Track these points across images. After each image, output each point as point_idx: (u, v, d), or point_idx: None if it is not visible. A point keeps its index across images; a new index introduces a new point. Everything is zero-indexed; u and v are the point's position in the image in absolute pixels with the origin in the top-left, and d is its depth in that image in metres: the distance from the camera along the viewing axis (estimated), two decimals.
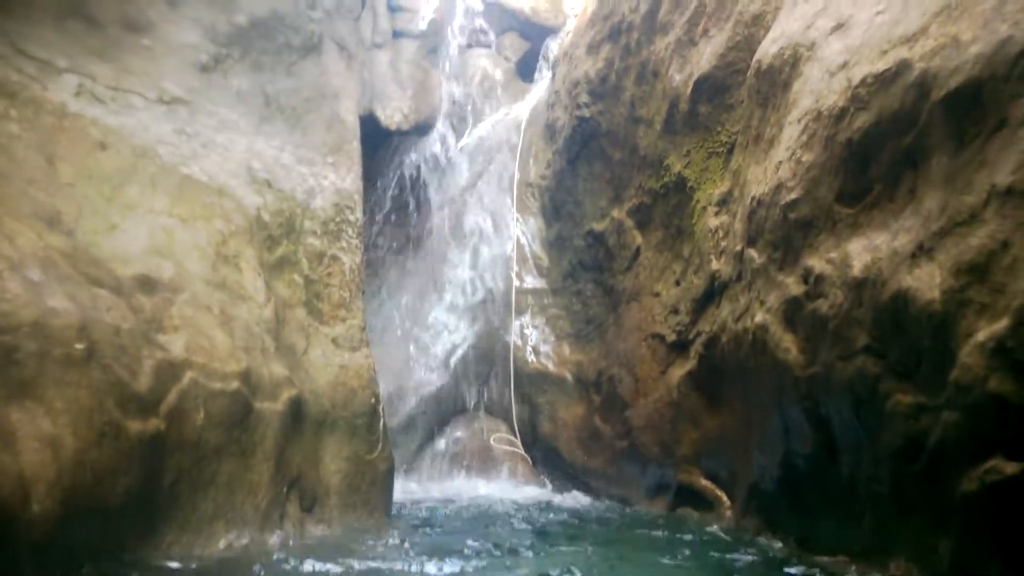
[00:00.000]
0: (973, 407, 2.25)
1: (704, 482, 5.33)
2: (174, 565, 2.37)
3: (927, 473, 2.58)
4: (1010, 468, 2.03)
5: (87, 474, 2.05)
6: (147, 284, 2.80)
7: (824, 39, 3.77)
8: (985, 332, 2.22)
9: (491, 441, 7.65)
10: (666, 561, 3.68)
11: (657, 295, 6.42)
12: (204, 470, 2.73)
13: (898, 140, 2.93)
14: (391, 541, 3.34)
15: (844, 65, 3.43)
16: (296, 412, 3.30)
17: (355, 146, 4.65)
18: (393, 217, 8.47)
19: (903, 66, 2.87)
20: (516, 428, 7.67)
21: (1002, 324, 2.14)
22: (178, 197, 3.31)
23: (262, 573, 2.59)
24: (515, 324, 8.04)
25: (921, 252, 2.66)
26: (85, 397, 2.16)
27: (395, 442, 7.25)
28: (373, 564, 2.83)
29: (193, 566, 2.41)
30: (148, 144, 3.50)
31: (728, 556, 3.67)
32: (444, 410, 7.67)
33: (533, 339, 8.01)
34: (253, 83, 4.31)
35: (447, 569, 3.12)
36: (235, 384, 2.89)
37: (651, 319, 6.40)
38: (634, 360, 6.56)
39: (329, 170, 4.40)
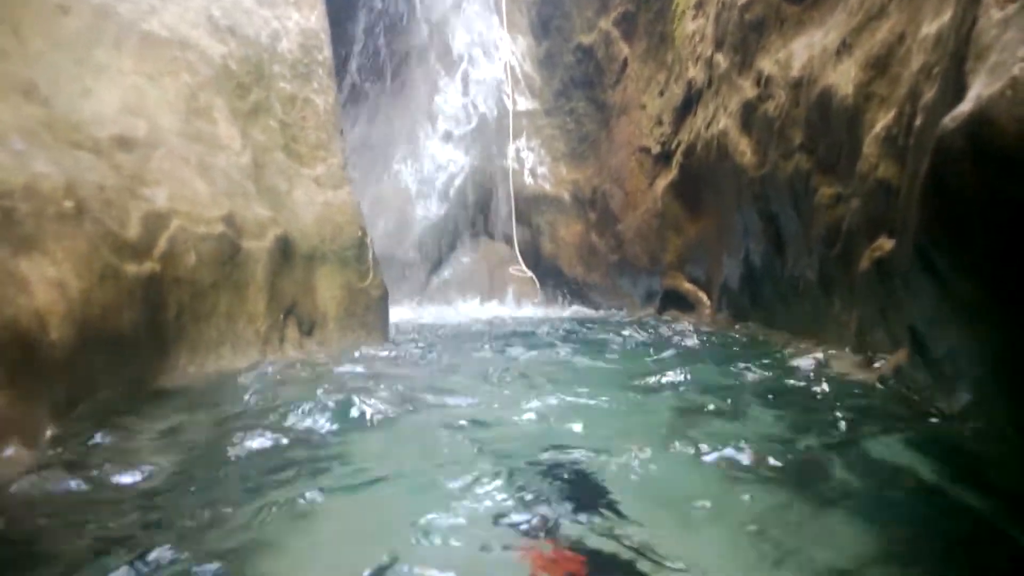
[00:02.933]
0: (869, 193, 2.46)
1: (687, 285, 5.68)
2: (186, 384, 2.81)
3: (842, 256, 2.85)
4: (888, 245, 2.28)
5: (95, 309, 2.42)
6: (124, 143, 3.04)
7: None
8: (881, 123, 2.39)
9: (511, 271, 7.99)
10: (642, 338, 4.11)
11: (644, 107, 6.48)
12: (203, 303, 3.11)
13: None
14: (387, 352, 3.79)
15: None
16: (284, 248, 3.63)
17: None
18: (377, 49, 8.37)
19: None
20: (518, 250, 8.01)
21: (891, 114, 2.30)
22: (142, 55, 3.44)
23: (269, 371, 3.04)
24: (511, 148, 8.17)
25: (844, 48, 2.76)
26: (82, 247, 2.48)
27: (403, 272, 7.71)
28: (368, 365, 3.27)
29: (204, 383, 2.85)
30: (108, 2, 3.57)
31: (693, 339, 4.05)
32: (447, 239, 8.01)
33: (530, 162, 8.16)
34: None
35: (439, 361, 3.57)
36: (220, 227, 3.20)
37: (639, 132, 6.51)
38: (624, 174, 6.75)
39: (292, 10, 4.43)
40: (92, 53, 3.40)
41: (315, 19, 4.52)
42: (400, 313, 6.20)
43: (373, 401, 2.36)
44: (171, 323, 2.95)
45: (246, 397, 2.61)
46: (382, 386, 2.72)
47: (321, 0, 4.62)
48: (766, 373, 2.70)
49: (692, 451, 1.80)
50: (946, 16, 1.89)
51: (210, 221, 3.19)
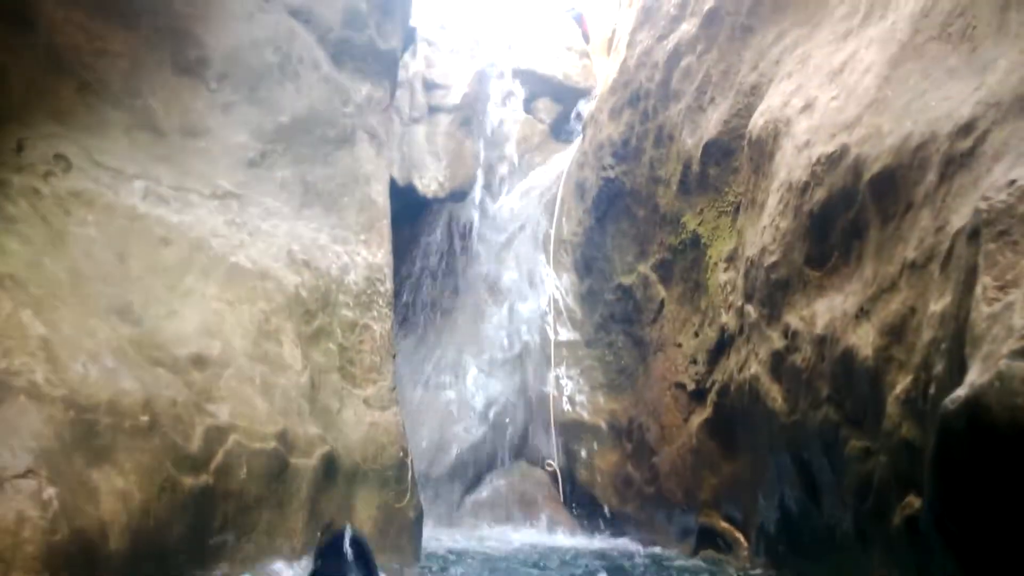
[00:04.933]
0: (894, 451, 2.56)
1: (724, 525, 5.56)
2: None
3: (875, 511, 2.87)
4: (917, 502, 2.33)
5: (151, 521, 2.55)
6: (199, 361, 3.34)
7: (796, 117, 4.16)
8: (901, 385, 2.55)
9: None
10: None
11: (679, 346, 6.75)
12: (247, 517, 3.21)
13: (845, 213, 3.28)
14: None
15: (807, 143, 3.81)
16: (328, 466, 3.77)
17: (385, 224, 5.19)
18: (434, 277, 9.02)
19: (844, 149, 3.25)
20: (559, 477, 7.99)
21: (909, 379, 2.46)
22: (227, 283, 3.87)
23: None
24: (551, 376, 8.43)
25: (862, 313, 3.00)
26: (148, 459, 2.67)
27: (438, 492, 7.67)
28: None
29: None
30: (203, 236, 4.08)
31: None
32: (484, 460, 8.04)
33: (569, 389, 8.37)
34: (294, 173, 4.89)
35: None
36: (273, 443, 3.38)
37: (674, 369, 6.72)
38: (660, 408, 6.87)
39: (362, 247, 4.95)
40: (183, 280, 3.84)
41: (381, 255, 5.02)
42: (430, 533, 6.12)
43: None
44: (214, 536, 3.05)
45: None
46: None
47: (388, 239, 5.17)
48: None
49: None
50: (947, 299, 2.12)
51: (265, 437, 3.38)
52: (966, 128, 2.21)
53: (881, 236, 2.90)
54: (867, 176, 2.99)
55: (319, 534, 2.49)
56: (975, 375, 1.54)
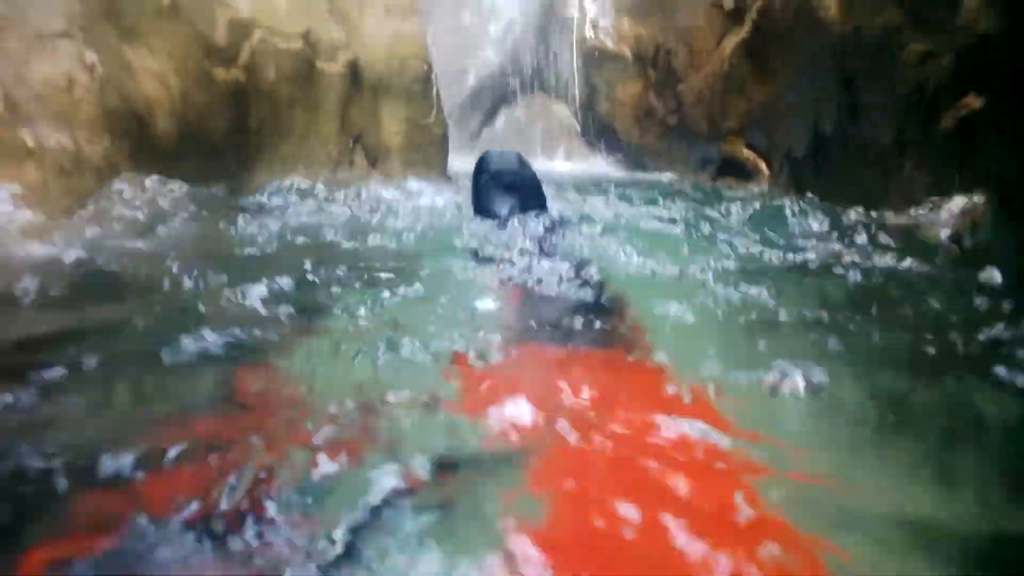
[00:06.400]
0: (964, 47, 2.41)
1: (746, 152, 5.61)
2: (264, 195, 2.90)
3: (924, 117, 2.82)
4: (977, 102, 2.26)
5: (192, 110, 2.51)
6: None
7: None
8: None
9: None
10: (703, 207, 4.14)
11: None
12: (281, 119, 3.19)
13: None
14: (445, 186, 3.89)
15: None
16: (354, 75, 3.64)
17: None
18: None
19: None
20: (579, 108, 7.89)
21: None
22: None
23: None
24: None
25: None
26: (179, 45, 2.54)
27: (455, 121, 7.66)
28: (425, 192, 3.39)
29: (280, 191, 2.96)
30: None
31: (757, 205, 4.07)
32: (502, 89, 7.88)
33: (592, 13, 7.86)
34: None
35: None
36: (299, 44, 3.21)
37: None
38: (691, 32, 6.52)
39: None
40: None
41: None
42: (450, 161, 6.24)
43: None
44: (253, 135, 3.05)
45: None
46: None
47: None
48: None
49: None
50: None
51: (289, 36, 3.21)
52: None
53: None
54: None
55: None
56: None
